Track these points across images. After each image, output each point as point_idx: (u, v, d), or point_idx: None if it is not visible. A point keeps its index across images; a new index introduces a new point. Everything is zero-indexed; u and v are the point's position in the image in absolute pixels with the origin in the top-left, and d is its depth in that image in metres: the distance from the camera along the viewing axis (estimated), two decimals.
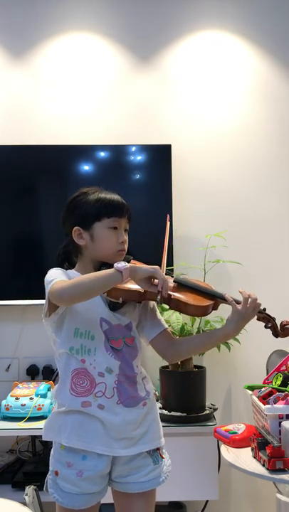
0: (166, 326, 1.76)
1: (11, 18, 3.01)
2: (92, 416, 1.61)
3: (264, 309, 1.73)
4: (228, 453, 2.13)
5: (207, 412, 2.52)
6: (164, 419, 2.46)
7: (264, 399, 2.18)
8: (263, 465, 1.97)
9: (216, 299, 1.70)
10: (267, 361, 2.67)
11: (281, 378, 2.30)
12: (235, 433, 2.22)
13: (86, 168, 2.93)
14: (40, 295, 2.74)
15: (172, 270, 2.66)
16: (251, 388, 2.37)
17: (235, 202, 2.97)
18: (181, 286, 1.72)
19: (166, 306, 1.86)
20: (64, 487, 1.61)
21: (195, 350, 1.82)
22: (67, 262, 1.78)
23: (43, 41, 3.01)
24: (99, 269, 1.66)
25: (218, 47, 3.03)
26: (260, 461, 2.01)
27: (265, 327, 1.75)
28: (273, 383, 2.33)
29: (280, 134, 3.02)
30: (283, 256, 2.96)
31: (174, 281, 1.72)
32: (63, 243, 1.78)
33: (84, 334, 1.63)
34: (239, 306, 1.64)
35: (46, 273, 1.69)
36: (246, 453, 2.11)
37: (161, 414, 2.47)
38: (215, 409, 2.55)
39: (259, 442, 2.02)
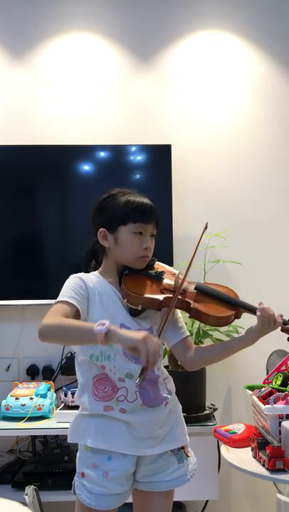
0: (188, 333, 1.75)
1: (11, 18, 3.02)
2: (115, 418, 1.61)
3: None
4: (228, 453, 2.13)
5: (207, 412, 2.52)
6: None
7: (264, 399, 2.18)
8: (263, 465, 1.97)
9: (239, 308, 1.68)
10: (267, 361, 2.67)
11: (281, 378, 2.30)
12: (235, 433, 2.22)
13: (86, 168, 2.93)
14: (40, 295, 2.78)
15: None
16: (251, 388, 2.36)
17: (235, 202, 2.97)
18: (203, 294, 1.70)
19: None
20: (91, 488, 1.61)
21: (214, 359, 1.78)
22: (94, 260, 1.78)
23: (43, 41, 3.01)
24: (121, 273, 1.67)
25: (218, 47, 3.03)
26: (260, 461, 2.01)
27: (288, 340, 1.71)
28: (273, 383, 2.32)
29: (280, 134, 3.02)
30: (283, 256, 2.96)
31: (195, 289, 1.70)
32: (92, 241, 1.78)
33: None
34: (265, 321, 1.62)
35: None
36: (246, 453, 2.11)
37: None
38: (215, 409, 2.55)
39: (259, 442, 2.02)
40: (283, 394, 2.16)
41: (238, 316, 1.70)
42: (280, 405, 2.09)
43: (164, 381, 1.71)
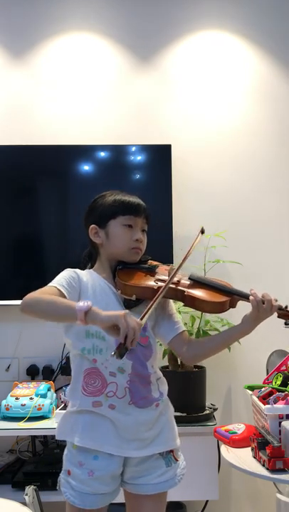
0: (184, 328, 1.74)
1: (11, 18, 3.01)
2: (103, 416, 1.61)
3: (286, 307, 1.70)
4: (228, 453, 2.13)
5: (207, 412, 2.52)
6: None
7: (264, 399, 2.19)
8: (263, 465, 1.97)
9: (233, 295, 1.69)
10: (267, 361, 2.67)
11: (281, 378, 2.30)
12: (235, 433, 2.22)
13: (86, 168, 2.93)
14: None
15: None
16: (251, 388, 2.37)
17: (236, 202, 2.97)
18: (197, 283, 1.71)
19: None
20: (75, 486, 1.61)
21: (212, 351, 1.73)
22: (90, 263, 1.79)
23: (43, 41, 3.02)
24: (115, 269, 1.69)
25: (218, 47, 3.03)
26: (260, 461, 2.01)
27: (285, 324, 1.71)
28: (273, 383, 2.33)
29: (280, 133, 3.02)
30: (283, 256, 2.95)
31: (189, 279, 1.72)
32: (88, 248, 1.80)
33: (95, 334, 1.61)
34: (260, 307, 1.62)
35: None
36: (246, 453, 2.11)
37: None
38: (215, 409, 2.55)
39: (259, 442, 2.02)
40: (283, 394, 2.16)
41: (232, 304, 1.70)
42: (280, 405, 2.09)
43: (156, 381, 1.69)
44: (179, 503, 2.62)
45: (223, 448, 2.19)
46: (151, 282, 1.66)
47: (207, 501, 2.64)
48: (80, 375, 1.63)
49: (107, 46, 3.02)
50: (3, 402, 2.56)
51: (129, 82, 3.01)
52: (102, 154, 2.93)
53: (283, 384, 2.27)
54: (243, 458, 2.07)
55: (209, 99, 3.01)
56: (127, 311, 1.44)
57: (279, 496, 2.49)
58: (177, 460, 1.70)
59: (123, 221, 1.69)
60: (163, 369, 2.55)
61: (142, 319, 1.47)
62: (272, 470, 1.92)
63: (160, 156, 2.89)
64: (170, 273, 1.68)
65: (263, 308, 1.62)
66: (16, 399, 2.54)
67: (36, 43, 3.02)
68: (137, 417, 1.62)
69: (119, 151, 2.91)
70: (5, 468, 2.63)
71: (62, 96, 3.00)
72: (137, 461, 1.64)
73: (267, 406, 2.09)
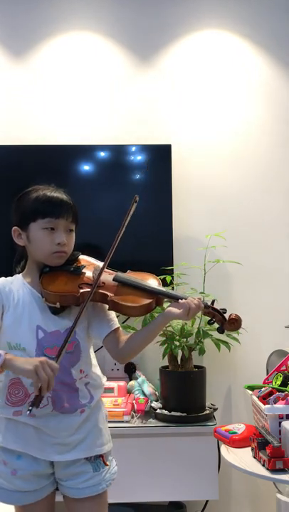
0: (117, 325, 1.67)
1: (12, 17, 3.01)
2: (24, 423, 1.60)
3: (212, 302, 1.66)
4: (228, 453, 2.13)
5: (207, 412, 2.52)
6: (164, 419, 2.46)
7: (264, 399, 2.19)
8: (263, 465, 1.97)
9: (158, 295, 1.63)
10: (267, 361, 2.68)
11: (281, 378, 2.30)
12: (235, 433, 2.22)
13: (86, 168, 2.93)
14: None
15: (172, 270, 2.66)
16: (251, 388, 2.37)
17: (236, 202, 2.97)
18: (121, 284, 1.64)
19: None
20: (1, 483, 1.62)
21: (140, 345, 1.66)
22: (25, 261, 1.73)
23: (43, 41, 3.01)
24: (41, 271, 1.64)
25: (219, 47, 3.03)
26: (260, 461, 2.01)
27: (208, 323, 1.69)
28: (273, 383, 2.33)
29: (281, 134, 3.01)
30: (283, 256, 2.95)
31: (113, 280, 1.65)
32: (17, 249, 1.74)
33: (15, 347, 1.58)
34: (178, 306, 1.58)
35: None
36: (246, 453, 2.11)
37: (161, 414, 2.48)
38: (215, 409, 2.55)
39: (259, 442, 2.02)
40: (283, 394, 2.16)
41: (159, 303, 1.65)
42: (280, 405, 2.09)
43: (85, 387, 1.65)
44: (179, 503, 2.62)
45: (223, 448, 2.19)
46: (74, 288, 1.59)
47: (207, 501, 2.64)
48: (6, 384, 1.62)
49: (107, 46, 3.02)
50: None
51: (129, 82, 3.01)
52: (102, 154, 2.93)
53: (283, 384, 2.27)
54: (243, 458, 2.07)
55: (209, 99, 3.01)
56: (43, 358, 1.44)
57: (279, 496, 2.49)
58: (107, 465, 1.67)
59: (43, 224, 1.60)
60: (163, 369, 2.56)
61: (57, 361, 1.47)
62: (272, 470, 1.92)
63: (160, 156, 2.88)
64: (94, 275, 1.61)
65: (192, 313, 1.58)
66: None
67: (36, 42, 3.01)
68: (59, 422, 1.60)
69: (119, 151, 2.91)
70: None
71: (63, 96, 3.00)
72: (64, 464, 1.62)
73: (267, 406, 2.09)
